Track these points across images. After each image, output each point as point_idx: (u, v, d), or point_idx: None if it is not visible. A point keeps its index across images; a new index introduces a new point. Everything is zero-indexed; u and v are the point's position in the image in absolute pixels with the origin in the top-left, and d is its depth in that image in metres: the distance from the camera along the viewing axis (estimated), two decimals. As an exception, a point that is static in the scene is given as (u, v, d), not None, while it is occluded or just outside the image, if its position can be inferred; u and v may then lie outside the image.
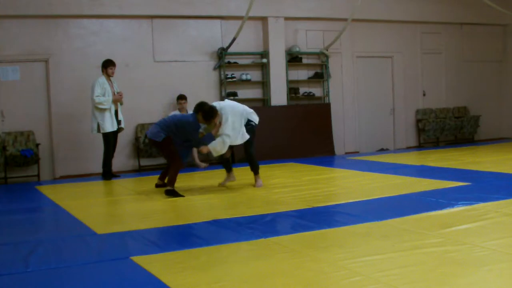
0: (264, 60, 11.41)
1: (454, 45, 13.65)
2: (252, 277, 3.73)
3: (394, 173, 8.45)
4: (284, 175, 8.86)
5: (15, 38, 9.60)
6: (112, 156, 9.36)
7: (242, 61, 11.37)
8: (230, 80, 11.15)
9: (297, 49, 11.76)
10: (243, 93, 11.27)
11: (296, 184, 7.81)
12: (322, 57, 12.02)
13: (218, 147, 7.20)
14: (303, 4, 11.68)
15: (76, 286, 3.77)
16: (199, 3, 10.81)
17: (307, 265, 3.95)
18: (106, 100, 9.03)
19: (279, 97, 11.50)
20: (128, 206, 7.02)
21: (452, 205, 5.74)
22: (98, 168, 9.50)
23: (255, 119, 7.63)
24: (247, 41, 11.32)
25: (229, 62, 11.20)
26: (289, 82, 11.71)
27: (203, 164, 8.32)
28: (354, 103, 12.51)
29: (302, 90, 11.95)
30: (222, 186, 7.81)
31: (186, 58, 10.72)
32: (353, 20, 11.38)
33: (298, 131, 11.59)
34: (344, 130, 12.39)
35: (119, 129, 9.35)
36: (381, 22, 12.60)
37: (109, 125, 9.09)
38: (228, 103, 7.53)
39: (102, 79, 9.12)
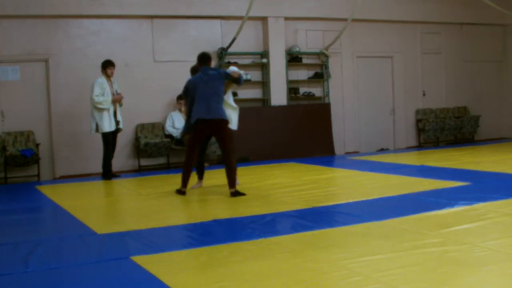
0: (264, 60, 11.41)
1: (454, 45, 13.64)
2: (252, 277, 3.73)
3: (394, 173, 8.45)
4: (284, 175, 8.86)
5: (15, 38, 9.60)
6: (111, 156, 9.36)
7: (242, 61, 11.36)
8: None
9: (297, 49, 11.76)
10: (243, 93, 11.26)
11: (296, 184, 7.81)
12: (322, 57, 12.02)
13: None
14: (303, 4, 11.67)
15: (76, 286, 3.77)
16: (199, 3, 10.81)
17: (307, 265, 3.95)
18: (105, 100, 9.04)
19: (279, 97, 11.49)
20: (128, 206, 7.03)
21: (452, 205, 5.74)
22: (98, 168, 9.49)
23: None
24: (247, 41, 11.32)
25: (229, 62, 11.19)
26: (289, 82, 11.71)
27: (205, 164, 8.32)
28: (354, 103, 12.50)
29: (302, 90, 11.95)
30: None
31: (186, 58, 10.68)
32: (353, 20, 11.38)
33: (298, 131, 11.59)
34: (344, 130, 12.39)
35: (118, 130, 9.34)
36: (381, 22, 12.59)
37: (107, 125, 9.08)
38: None
39: (102, 79, 9.13)
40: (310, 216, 5.64)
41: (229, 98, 7.71)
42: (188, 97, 7.25)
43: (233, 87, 7.59)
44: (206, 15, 10.92)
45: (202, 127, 7.06)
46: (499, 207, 5.58)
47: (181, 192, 7.24)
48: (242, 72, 7.71)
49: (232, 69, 7.52)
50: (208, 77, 7.11)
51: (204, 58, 7.33)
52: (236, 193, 6.97)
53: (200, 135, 7.18)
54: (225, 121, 7.12)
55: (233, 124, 7.67)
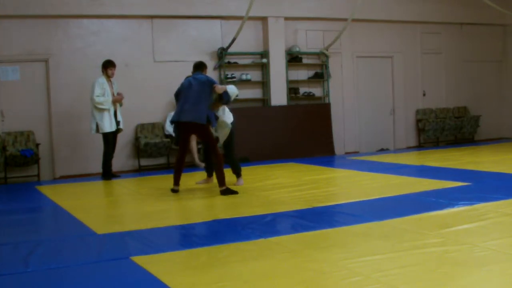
0: (264, 60, 11.41)
1: (454, 45, 13.65)
2: (252, 277, 3.73)
3: (394, 173, 8.45)
4: (284, 175, 8.86)
5: (15, 38, 9.60)
6: (111, 156, 9.35)
7: (242, 61, 11.37)
8: (230, 80, 11.14)
9: (297, 49, 11.76)
10: (243, 93, 11.25)
11: (296, 184, 7.81)
12: (322, 57, 12.02)
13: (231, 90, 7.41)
14: (303, 4, 11.67)
15: (76, 286, 3.77)
16: (199, 3, 10.81)
17: (307, 265, 3.95)
18: (105, 100, 9.04)
19: (279, 97, 11.49)
20: (128, 206, 7.03)
21: (452, 205, 5.74)
22: (98, 168, 9.49)
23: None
24: (247, 41, 11.32)
25: (229, 62, 11.20)
26: (289, 82, 11.71)
27: (202, 164, 8.34)
28: (354, 103, 12.51)
29: (302, 90, 11.95)
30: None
31: (186, 58, 10.68)
32: (353, 20, 11.38)
33: (298, 131, 11.59)
34: (344, 130, 12.39)
35: (118, 130, 9.34)
36: (381, 22, 12.59)
37: (108, 125, 9.08)
38: None
39: (102, 79, 9.13)
40: (310, 216, 5.64)
41: (223, 114, 7.68)
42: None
43: (220, 105, 7.55)
44: (206, 15, 10.92)
45: (180, 127, 7.28)
46: (499, 207, 5.58)
47: (173, 190, 7.38)
48: (233, 87, 7.66)
49: (229, 87, 7.49)
50: (196, 81, 7.30)
51: (199, 65, 7.64)
52: (226, 191, 7.06)
53: (182, 135, 7.37)
54: (199, 124, 7.10)
55: (220, 138, 7.71)
